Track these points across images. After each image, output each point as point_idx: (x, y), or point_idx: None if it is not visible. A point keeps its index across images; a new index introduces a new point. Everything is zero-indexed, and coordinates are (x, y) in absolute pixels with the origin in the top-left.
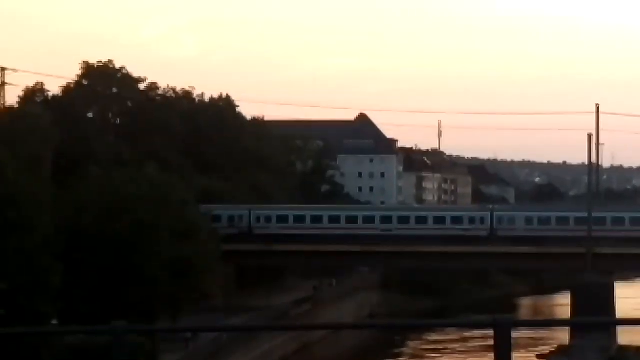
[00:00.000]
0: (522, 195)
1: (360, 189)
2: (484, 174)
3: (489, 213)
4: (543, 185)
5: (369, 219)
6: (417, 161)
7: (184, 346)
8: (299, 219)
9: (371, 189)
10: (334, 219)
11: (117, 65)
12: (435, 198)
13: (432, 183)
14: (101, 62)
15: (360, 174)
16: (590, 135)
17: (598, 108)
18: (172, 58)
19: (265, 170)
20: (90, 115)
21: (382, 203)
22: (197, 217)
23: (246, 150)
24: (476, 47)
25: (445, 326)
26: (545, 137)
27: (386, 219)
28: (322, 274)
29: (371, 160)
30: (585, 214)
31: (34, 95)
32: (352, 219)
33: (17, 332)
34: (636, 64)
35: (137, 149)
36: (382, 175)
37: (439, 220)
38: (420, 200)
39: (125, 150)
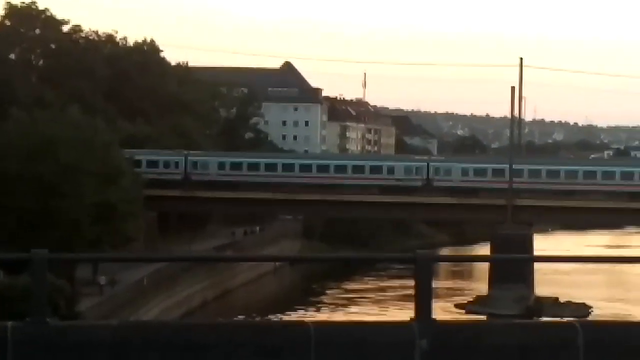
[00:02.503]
0: (445, 146)
1: (284, 137)
2: (407, 125)
3: (426, 164)
4: (466, 137)
5: (289, 167)
6: (342, 111)
7: (98, 291)
8: (226, 165)
9: (295, 137)
10: (253, 166)
11: (40, 7)
12: (359, 148)
13: (356, 133)
14: (24, 3)
15: (284, 122)
16: (513, 89)
17: (522, 61)
18: (96, 1)
19: (189, 116)
20: (12, 56)
21: (306, 152)
22: (121, 160)
23: (170, 95)
24: None
25: (369, 260)
26: (469, 90)
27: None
28: (244, 221)
29: (295, 109)
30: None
31: None
32: (271, 167)
33: None
34: (560, 19)
35: (60, 91)
36: (307, 123)
37: (369, 169)
38: (343, 149)
39: (48, 92)
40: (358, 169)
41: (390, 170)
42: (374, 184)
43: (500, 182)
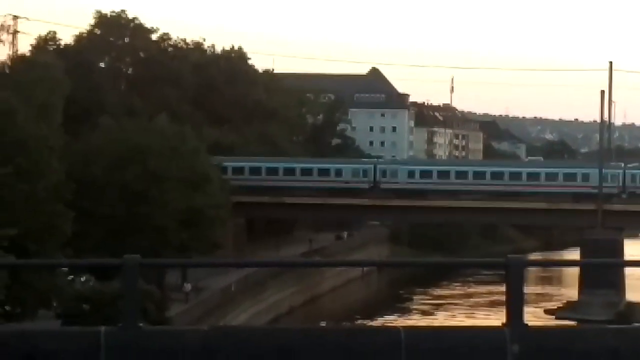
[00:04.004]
0: (534, 151)
1: (371, 143)
2: (495, 130)
3: (373, 166)
4: (554, 142)
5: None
6: (429, 116)
7: (184, 298)
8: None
9: (382, 143)
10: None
11: (130, 16)
12: (446, 153)
13: (443, 138)
14: (114, 12)
15: (371, 128)
16: (602, 92)
17: (611, 65)
18: (184, 10)
19: (275, 123)
20: (102, 65)
21: (393, 157)
22: (208, 167)
23: (257, 102)
24: (488, 2)
25: (459, 265)
26: (557, 94)
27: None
28: (332, 227)
29: (382, 115)
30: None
31: (46, 43)
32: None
33: (31, 263)
34: None
35: (149, 99)
36: (394, 129)
37: (317, 172)
38: (431, 155)
39: (136, 100)
40: (306, 172)
41: (338, 173)
42: (322, 186)
43: (446, 184)
